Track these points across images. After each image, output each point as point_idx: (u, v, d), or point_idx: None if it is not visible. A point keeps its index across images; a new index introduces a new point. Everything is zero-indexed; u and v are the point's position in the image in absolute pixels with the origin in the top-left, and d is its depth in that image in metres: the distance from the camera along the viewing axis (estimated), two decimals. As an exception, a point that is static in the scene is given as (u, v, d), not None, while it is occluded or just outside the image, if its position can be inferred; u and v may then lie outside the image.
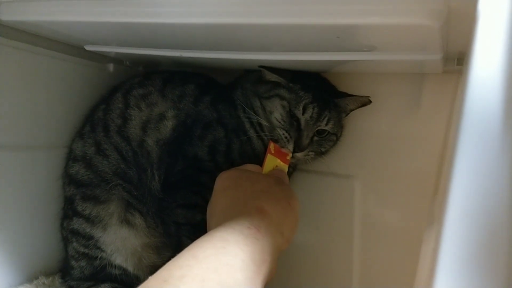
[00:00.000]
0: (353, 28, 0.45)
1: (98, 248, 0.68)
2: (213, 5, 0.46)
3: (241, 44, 0.59)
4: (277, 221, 0.47)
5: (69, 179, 0.71)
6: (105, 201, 0.68)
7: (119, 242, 0.68)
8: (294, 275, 0.79)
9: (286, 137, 0.65)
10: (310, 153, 0.67)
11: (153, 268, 0.68)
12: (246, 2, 0.44)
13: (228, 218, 0.44)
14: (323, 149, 0.69)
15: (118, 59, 0.84)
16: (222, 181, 0.54)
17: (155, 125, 0.69)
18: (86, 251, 0.69)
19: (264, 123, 0.68)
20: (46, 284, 0.69)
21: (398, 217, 0.71)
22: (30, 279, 0.70)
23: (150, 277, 0.35)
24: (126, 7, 0.49)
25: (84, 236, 0.68)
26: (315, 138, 0.67)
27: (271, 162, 0.64)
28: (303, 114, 0.65)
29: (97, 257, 0.68)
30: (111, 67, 0.83)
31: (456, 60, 0.59)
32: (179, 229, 0.65)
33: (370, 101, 0.68)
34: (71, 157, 0.72)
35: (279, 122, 0.66)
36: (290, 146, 0.65)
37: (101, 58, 0.80)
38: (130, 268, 0.69)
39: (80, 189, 0.69)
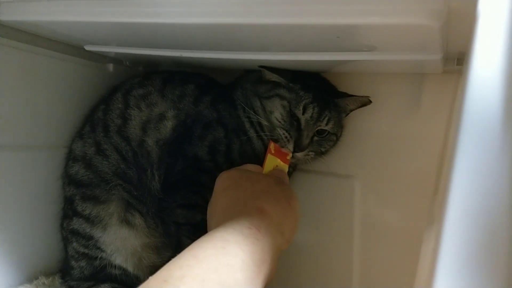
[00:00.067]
0: (353, 28, 0.45)
1: (98, 248, 0.68)
2: (213, 5, 0.46)
3: (241, 44, 0.59)
4: (277, 221, 0.47)
5: (69, 179, 0.71)
6: (105, 201, 0.68)
7: (119, 242, 0.68)
8: (294, 275, 0.79)
9: (286, 137, 0.65)
10: (310, 153, 0.67)
11: (153, 268, 0.68)
12: (246, 2, 0.44)
13: (228, 218, 0.44)
14: (323, 149, 0.69)
15: (118, 59, 0.84)
16: (222, 181, 0.54)
17: (155, 125, 0.69)
18: (86, 251, 0.69)
19: (264, 122, 0.68)
20: (46, 284, 0.69)
21: (398, 217, 0.71)
22: (30, 279, 0.70)
23: (150, 277, 0.35)
24: (126, 7, 0.49)
25: (84, 236, 0.68)
26: (315, 138, 0.67)
27: (271, 162, 0.64)
28: (303, 114, 0.65)
29: (97, 257, 0.68)
30: (111, 67, 0.83)
31: (456, 60, 0.59)
32: (179, 229, 0.65)
33: (370, 101, 0.69)
34: (71, 157, 0.72)
35: (279, 122, 0.66)
36: (290, 146, 0.65)
37: (101, 58, 0.80)
38: (130, 268, 0.69)
39: (80, 189, 0.69)
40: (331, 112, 0.67)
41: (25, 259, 0.69)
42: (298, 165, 0.76)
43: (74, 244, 0.69)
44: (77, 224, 0.68)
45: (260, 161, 0.65)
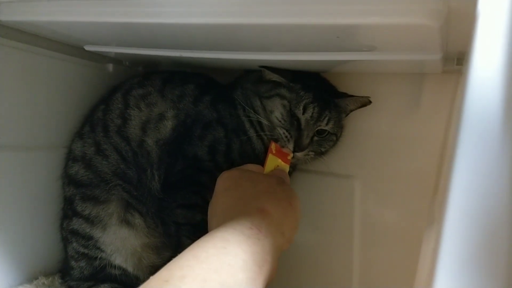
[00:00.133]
0: (353, 28, 0.45)
1: (98, 248, 0.68)
2: (213, 5, 0.46)
3: (241, 44, 0.59)
4: (278, 221, 0.47)
5: (68, 179, 0.71)
6: (105, 201, 0.68)
7: (119, 242, 0.68)
8: (294, 275, 0.79)
9: (286, 136, 0.65)
10: (310, 153, 0.67)
11: (153, 268, 0.68)
12: (246, 2, 0.44)
13: (229, 218, 0.44)
14: (323, 149, 0.69)
15: (117, 59, 0.84)
16: (223, 181, 0.54)
17: (154, 125, 0.69)
18: (86, 251, 0.68)
19: (265, 122, 0.68)
20: (46, 284, 0.69)
21: (398, 217, 0.71)
22: (30, 279, 0.70)
23: (151, 277, 0.35)
24: (126, 7, 0.49)
25: (83, 236, 0.68)
26: (315, 138, 0.67)
27: (272, 162, 0.64)
28: (303, 113, 0.65)
29: (96, 257, 0.68)
30: (110, 67, 0.83)
31: (456, 60, 0.59)
32: (179, 229, 0.65)
33: (370, 102, 0.69)
34: (70, 157, 0.72)
35: (280, 121, 0.66)
36: (291, 146, 0.65)
37: (100, 58, 0.80)
38: (130, 268, 0.69)
39: (80, 189, 0.69)
40: (331, 112, 0.67)
41: (25, 259, 0.69)
42: (298, 165, 0.76)
43: (74, 244, 0.69)
44: (77, 224, 0.68)
45: (260, 161, 0.65)
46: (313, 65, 0.68)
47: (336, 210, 0.76)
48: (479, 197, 0.28)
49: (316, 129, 0.67)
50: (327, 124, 0.67)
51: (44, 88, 0.70)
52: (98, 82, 0.79)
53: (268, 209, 0.47)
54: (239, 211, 0.46)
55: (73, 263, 0.70)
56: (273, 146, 0.65)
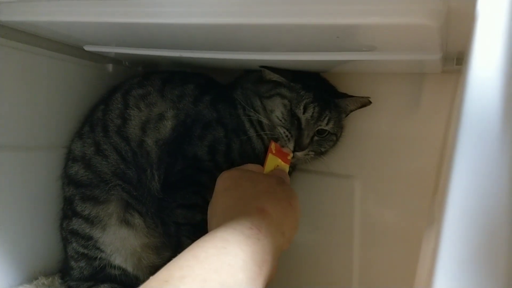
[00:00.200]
0: (353, 28, 0.46)
1: (98, 248, 0.68)
2: (213, 5, 0.46)
3: (241, 44, 0.59)
4: (278, 221, 0.47)
5: (68, 179, 0.71)
6: (105, 202, 0.68)
7: (119, 243, 0.68)
8: (294, 275, 0.79)
9: (287, 136, 0.66)
10: (310, 152, 0.67)
11: (153, 268, 0.68)
12: (246, 2, 0.44)
13: (229, 218, 0.44)
14: (323, 149, 0.69)
15: (117, 60, 0.84)
16: (223, 181, 0.54)
17: (154, 125, 0.69)
18: (86, 251, 0.68)
19: (265, 121, 0.68)
20: (46, 284, 0.69)
21: (398, 217, 0.71)
22: (30, 279, 0.70)
23: (151, 277, 0.35)
24: (126, 7, 0.49)
25: (83, 237, 0.68)
26: (315, 138, 0.67)
27: (272, 162, 0.64)
28: (304, 113, 0.65)
29: (96, 257, 0.68)
30: (110, 67, 0.83)
31: (456, 60, 0.59)
32: (179, 229, 0.65)
33: (370, 102, 0.69)
34: (70, 158, 0.72)
35: (280, 121, 0.66)
36: (291, 145, 0.65)
37: (100, 58, 0.80)
38: (129, 269, 0.69)
39: (80, 190, 0.69)
40: (331, 112, 0.67)
41: (24, 259, 0.69)
42: (298, 165, 0.76)
43: (74, 244, 0.69)
44: (77, 224, 0.68)
45: (260, 161, 0.65)
46: (313, 65, 0.68)
47: (336, 210, 0.76)
48: (478, 197, 0.28)
49: (316, 129, 0.67)
50: (327, 124, 0.67)
51: (44, 88, 0.70)
52: (97, 82, 0.79)
53: (268, 209, 0.47)
54: (239, 211, 0.46)
55: (73, 263, 0.70)
56: (273, 146, 0.65)
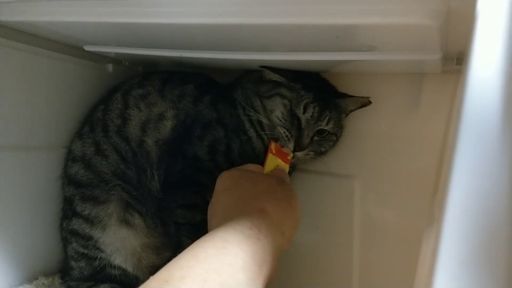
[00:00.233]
0: (353, 28, 0.46)
1: (98, 248, 0.68)
2: (213, 5, 0.46)
3: (240, 44, 0.59)
4: (278, 221, 0.47)
5: (68, 179, 0.71)
6: (104, 202, 0.68)
7: (119, 243, 0.68)
8: (294, 275, 0.79)
9: (287, 136, 0.66)
10: (310, 152, 0.68)
11: (153, 269, 0.68)
12: (246, 2, 0.44)
13: (229, 218, 0.44)
14: (323, 149, 0.69)
15: (117, 60, 0.84)
16: (223, 181, 0.54)
17: (154, 125, 0.69)
18: (86, 251, 0.68)
19: (265, 121, 0.68)
20: (46, 284, 0.69)
21: (398, 217, 0.71)
22: (30, 279, 0.70)
23: (151, 277, 0.35)
24: (125, 7, 0.49)
25: (83, 237, 0.68)
26: (315, 138, 0.67)
27: (272, 162, 0.64)
28: (304, 113, 0.66)
29: (96, 257, 0.68)
30: (110, 67, 0.83)
31: (455, 60, 0.59)
32: (179, 229, 0.65)
33: (370, 102, 0.69)
34: (70, 158, 0.72)
35: (280, 120, 0.66)
36: (291, 145, 0.65)
37: (100, 58, 0.80)
38: (129, 269, 0.69)
39: (79, 190, 0.69)
40: (331, 112, 0.67)
41: (24, 259, 0.69)
42: (298, 165, 0.76)
43: (74, 244, 0.69)
44: (77, 224, 0.68)
45: (260, 161, 0.65)
46: (313, 65, 0.68)
47: (336, 210, 0.76)
48: (478, 197, 0.28)
49: (317, 129, 0.67)
50: (327, 124, 0.67)
51: (44, 88, 0.70)
52: (97, 82, 0.79)
53: (268, 209, 0.47)
54: (239, 211, 0.46)
55: (72, 263, 0.70)
56: (273, 146, 0.65)
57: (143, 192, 0.68)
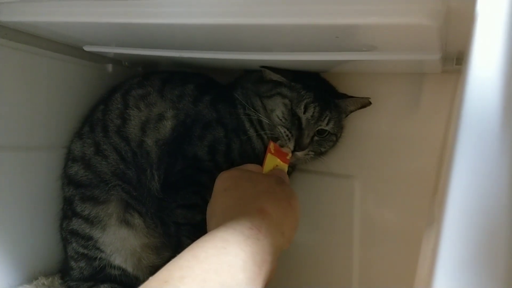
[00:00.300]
0: (353, 28, 0.46)
1: (98, 248, 0.68)
2: (213, 5, 0.46)
3: (240, 44, 0.59)
4: (278, 221, 0.47)
5: (68, 179, 0.71)
6: (104, 202, 0.68)
7: (118, 243, 0.68)
8: (294, 275, 0.79)
9: (287, 135, 0.66)
10: (310, 152, 0.68)
11: (153, 269, 0.68)
12: (246, 2, 0.44)
13: (228, 218, 0.44)
14: (323, 149, 0.69)
15: (117, 60, 0.84)
16: (223, 181, 0.54)
17: (154, 125, 0.69)
18: (85, 251, 0.68)
19: (265, 120, 0.68)
20: (46, 284, 0.69)
21: (397, 217, 0.71)
22: (30, 279, 0.70)
23: (150, 278, 0.35)
24: (125, 8, 0.49)
25: (83, 237, 0.68)
26: (316, 138, 0.67)
27: (271, 161, 0.64)
28: (304, 113, 0.66)
29: (96, 257, 0.68)
30: (110, 67, 0.83)
31: (455, 59, 0.59)
32: (179, 229, 0.65)
33: (370, 103, 0.69)
34: (70, 158, 0.72)
35: (281, 120, 0.66)
36: (291, 145, 0.65)
37: (100, 58, 0.80)
38: (129, 269, 0.69)
39: (79, 190, 0.69)
40: (331, 112, 0.67)
41: (25, 259, 0.69)
42: (298, 165, 0.76)
43: (74, 244, 0.69)
44: (77, 224, 0.68)
45: (260, 161, 0.65)
46: (313, 65, 0.68)
47: (336, 210, 0.76)
48: (478, 197, 0.28)
49: (317, 129, 0.67)
50: (327, 124, 0.67)
51: (44, 88, 0.70)
52: (97, 83, 0.79)
53: (268, 209, 0.47)
54: (239, 211, 0.46)
55: (72, 263, 0.70)
56: (271, 145, 0.65)
57: (143, 192, 0.68)
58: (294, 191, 0.54)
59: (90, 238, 0.68)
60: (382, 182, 0.72)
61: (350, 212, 0.74)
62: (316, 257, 0.79)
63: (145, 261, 0.70)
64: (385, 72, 0.72)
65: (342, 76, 0.74)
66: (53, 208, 0.73)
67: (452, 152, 0.29)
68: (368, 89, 0.70)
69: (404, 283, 0.64)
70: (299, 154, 0.66)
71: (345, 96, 0.70)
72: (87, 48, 0.71)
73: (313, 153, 0.68)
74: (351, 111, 0.71)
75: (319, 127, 0.67)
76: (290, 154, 0.66)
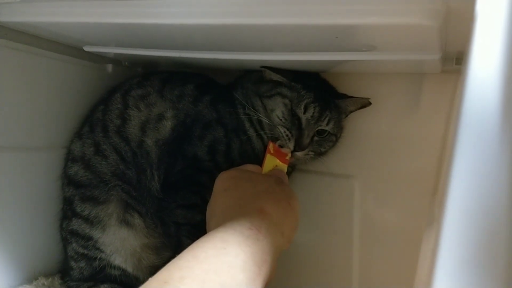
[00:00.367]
0: (352, 28, 0.46)
1: (97, 248, 0.68)
2: (213, 5, 0.46)
3: (240, 44, 0.59)
4: (278, 221, 0.47)
5: (68, 179, 0.71)
6: (104, 202, 0.68)
7: (118, 243, 0.68)
8: (294, 275, 0.79)
9: (287, 135, 0.66)
10: (310, 152, 0.68)
11: (153, 269, 0.68)
12: (246, 2, 0.44)
13: (228, 218, 0.44)
14: (322, 149, 0.69)
15: (116, 60, 0.84)
16: (222, 181, 0.54)
17: (154, 126, 0.69)
18: (85, 251, 0.68)
19: (265, 120, 0.68)
20: (46, 285, 0.69)
21: (397, 217, 0.71)
22: (30, 279, 0.70)
23: (150, 278, 0.35)
24: (125, 8, 0.49)
25: (83, 237, 0.68)
26: (315, 138, 0.67)
27: (271, 162, 0.64)
28: (304, 113, 0.66)
29: (96, 257, 0.68)
30: (110, 67, 0.83)
31: (455, 59, 0.59)
32: (179, 230, 0.65)
33: (370, 103, 0.69)
34: (70, 158, 0.72)
35: (281, 120, 0.66)
36: (291, 145, 0.65)
37: (100, 58, 0.80)
38: (129, 269, 0.69)
39: (79, 190, 0.69)
40: (331, 112, 0.67)
41: (24, 259, 0.69)
42: (297, 165, 0.76)
43: (74, 244, 0.69)
44: (76, 224, 0.68)
45: (260, 161, 0.65)
46: (313, 65, 0.68)
47: (335, 210, 0.76)
48: (478, 197, 0.28)
49: (317, 129, 0.67)
50: (327, 124, 0.67)
51: (44, 88, 0.70)
52: (97, 83, 0.79)
53: (268, 209, 0.47)
54: (238, 211, 0.46)
55: (72, 263, 0.70)
56: (271, 146, 0.65)
57: (143, 192, 0.68)
58: (294, 191, 0.54)
59: (90, 238, 0.68)
60: (382, 182, 0.72)
61: (350, 212, 0.74)
62: (316, 257, 0.79)
63: (145, 261, 0.70)
64: (385, 72, 0.72)
65: (342, 76, 0.74)
66: (53, 208, 0.73)
67: (452, 152, 0.29)
68: (368, 89, 0.70)
69: (404, 283, 0.64)
70: (299, 154, 0.66)
71: (345, 96, 0.70)
72: (87, 49, 0.71)
73: (313, 153, 0.68)
74: (351, 111, 0.71)
75: (319, 127, 0.67)
76: (289, 155, 0.66)
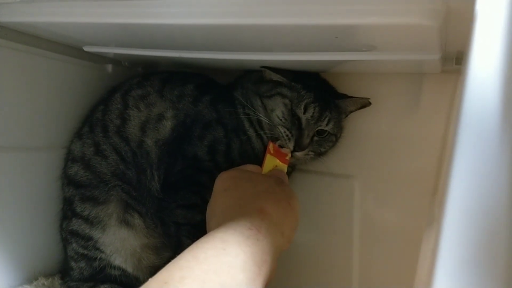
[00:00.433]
0: (352, 28, 0.46)
1: (97, 249, 0.68)
2: (213, 5, 0.46)
3: (240, 44, 0.59)
4: (278, 221, 0.47)
5: (68, 180, 0.71)
6: (104, 202, 0.68)
7: (118, 243, 0.68)
8: (294, 275, 0.79)
9: (287, 135, 0.66)
10: (310, 152, 0.68)
11: (153, 269, 0.68)
12: (246, 2, 0.44)
13: (228, 218, 0.44)
14: (322, 150, 0.69)
15: (116, 60, 0.84)
16: (222, 181, 0.54)
17: (154, 126, 0.69)
18: (85, 252, 0.68)
19: (265, 120, 0.68)
20: (46, 285, 0.69)
21: (397, 217, 0.71)
22: (30, 280, 0.70)
23: (150, 279, 0.35)
24: (125, 8, 0.49)
25: (83, 237, 0.68)
26: (315, 138, 0.67)
27: (271, 162, 0.64)
28: (304, 113, 0.66)
29: (96, 258, 0.68)
30: (109, 68, 0.83)
31: (455, 59, 0.59)
32: (179, 230, 0.65)
33: (370, 103, 0.69)
34: (69, 158, 0.72)
35: (281, 120, 0.66)
36: (291, 145, 0.65)
37: (99, 59, 0.80)
38: (129, 269, 0.69)
39: (79, 190, 0.69)
40: (331, 112, 0.67)
41: (24, 260, 0.69)
42: (297, 165, 0.76)
43: (74, 245, 0.69)
44: (76, 225, 0.68)
45: (260, 161, 0.65)
46: (313, 65, 0.68)
47: (335, 210, 0.76)
48: (478, 197, 0.28)
49: (317, 129, 0.67)
50: (327, 124, 0.67)
51: (44, 89, 0.70)
52: (97, 83, 0.79)
53: (268, 209, 0.47)
54: (238, 211, 0.46)
55: (72, 263, 0.70)
56: (271, 146, 0.65)
57: (143, 193, 0.68)
58: (294, 192, 0.54)
59: (90, 238, 0.68)
60: (382, 182, 0.72)
61: (350, 212, 0.74)
62: (316, 257, 0.79)
63: (145, 261, 0.70)
64: (385, 72, 0.72)
65: (342, 76, 0.74)
66: (53, 208, 0.73)
67: (452, 152, 0.29)
68: (368, 89, 0.70)
69: (404, 283, 0.64)
70: (299, 154, 0.66)
71: (345, 96, 0.70)
72: (87, 49, 0.71)
73: (312, 153, 0.68)
74: (351, 112, 0.71)
75: (319, 127, 0.67)
76: (289, 155, 0.66)
